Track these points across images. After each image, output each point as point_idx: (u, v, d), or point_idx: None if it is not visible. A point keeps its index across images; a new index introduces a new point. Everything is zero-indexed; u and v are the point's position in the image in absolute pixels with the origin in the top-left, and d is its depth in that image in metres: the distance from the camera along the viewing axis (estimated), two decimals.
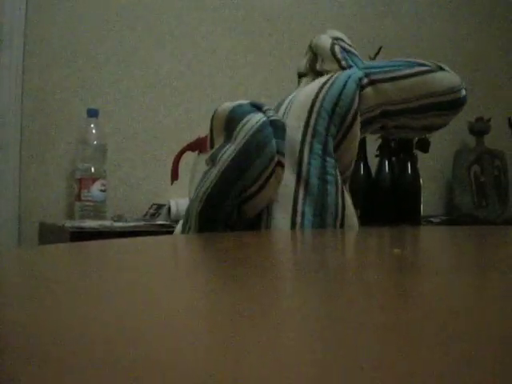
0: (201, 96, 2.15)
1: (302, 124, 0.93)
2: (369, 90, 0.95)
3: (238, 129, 0.88)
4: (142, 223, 1.69)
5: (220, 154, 0.89)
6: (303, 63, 1.09)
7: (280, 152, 0.86)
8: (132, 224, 1.64)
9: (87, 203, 1.80)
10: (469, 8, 2.74)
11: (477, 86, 2.69)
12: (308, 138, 0.92)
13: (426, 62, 0.96)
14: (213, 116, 0.96)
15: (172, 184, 1.64)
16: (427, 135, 2.21)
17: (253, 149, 0.85)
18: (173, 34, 2.12)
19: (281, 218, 0.88)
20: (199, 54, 2.16)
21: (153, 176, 2.05)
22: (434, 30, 2.65)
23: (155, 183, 2.05)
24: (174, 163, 1.66)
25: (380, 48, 2.44)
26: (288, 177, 0.90)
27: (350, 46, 1.05)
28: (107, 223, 1.61)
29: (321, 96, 0.94)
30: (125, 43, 2.03)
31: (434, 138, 2.38)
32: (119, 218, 1.81)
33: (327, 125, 0.92)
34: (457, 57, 2.69)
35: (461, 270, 0.33)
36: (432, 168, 2.54)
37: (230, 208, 0.87)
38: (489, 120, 2.47)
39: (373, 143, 2.16)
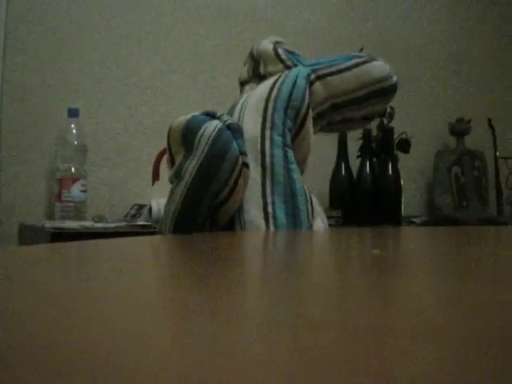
0: (182, 96, 2.15)
1: (260, 119, 0.96)
2: (317, 84, 1.02)
3: (196, 140, 0.90)
4: (123, 224, 1.68)
5: (184, 168, 0.91)
6: (244, 71, 1.16)
7: (242, 153, 0.89)
8: (113, 225, 1.63)
9: (67, 204, 1.78)
10: (451, 9, 2.76)
11: (458, 87, 2.71)
12: (267, 130, 0.95)
13: (360, 54, 1.06)
14: (168, 133, 0.98)
15: (153, 184, 1.63)
16: (407, 136, 2.23)
17: (216, 155, 0.87)
18: (155, 34, 2.11)
19: (252, 210, 0.90)
20: (181, 55, 2.15)
21: (134, 176, 2.04)
22: (417, 32, 2.67)
23: (136, 183, 2.04)
24: (155, 163, 1.65)
25: (361, 49, 2.45)
26: (253, 170, 0.93)
27: (287, 46, 1.11)
28: (88, 224, 1.60)
29: (274, 93, 0.98)
30: (107, 43, 2.02)
31: (415, 139, 2.40)
32: (100, 219, 1.80)
33: (283, 119, 0.97)
34: (438, 57, 2.71)
35: (438, 270, 0.33)
36: (413, 169, 2.55)
37: (202, 219, 0.88)
38: (469, 121, 2.49)
39: (354, 144, 2.17)
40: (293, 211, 0.91)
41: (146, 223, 1.64)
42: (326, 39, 2.46)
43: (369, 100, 1.04)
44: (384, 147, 2.11)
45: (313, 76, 1.01)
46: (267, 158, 0.93)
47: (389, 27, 2.61)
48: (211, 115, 0.93)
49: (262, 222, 0.89)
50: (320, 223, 0.95)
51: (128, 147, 2.04)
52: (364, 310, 0.21)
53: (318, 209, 0.97)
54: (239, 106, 1.02)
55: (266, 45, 1.11)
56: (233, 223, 0.92)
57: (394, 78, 1.05)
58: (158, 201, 1.79)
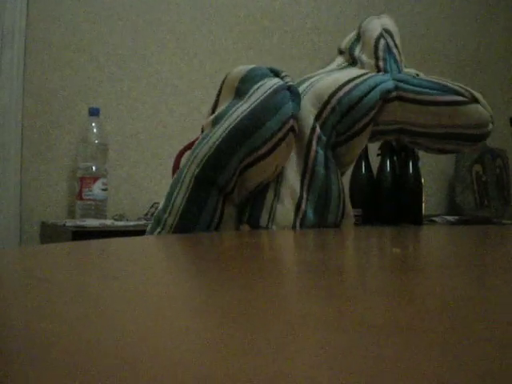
0: (202, 95, 2.15)
1: (315, 112, 0.88)
2: (395, 104, 0.89)
3: (252, 90, 0.84)
4: (143, 222, 1.69)
5: (230, 112, 0.84)
6: (346, 39, 1.04)
7: (294, 116, 0.82)
8: (133, 223, 1.64)
9: (88, 202, 1.79)
10: (469, 7, 2.73)
11: (478, 85, 2.69)
12: (317, 127, 0.87)
13: (463, 91, 0.88)
14: (224, 79, 0.92)
15: None
16: None
17: (268, 108, 0.81)
18: (174, 33, 2.11)
19: (286, 201, 0.84)
20: (200, 53, 2.16)
21: (154, 175, 2.05)
22: (435, 30, 2.64)
23: (156, 182, 2.05)
24: (175, 162, 1.65)
25: None
26: (295, 160, 0.87)
27: (396, 45, 0.98)
28: (108, 222, 1.61)
29: (341, 93, 0.89)
30: (126, 42, 2.03)
31: None
32: (120, 217, 1.81)
33: (336, 122, 0.88)
34: (458, 56, 2.68)
35: (460, 269, 0.33)
36: (434, 167, 2.53)
37: (231, 172, 0.81)
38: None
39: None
40: (322, 212, 0.86)
41: None
42: (342, 37, 2.44)
43: (449, 139, 0.91)
44: (404, 145, 2.09)
45: (394, 94, 0.90)
46: (311, 154, 0.86)
47: (406, 25, 2.59)
48: (275, 72, 0.88)
49: (292, 216, 0.84)
50: (347, 223, 0.90)
51: (148, 146, 2.05)
52: (393, 309, 0.21)
53: (348, 209, 0.91)
54: (307, 83, 0.94)
55: (374, 29, 0.99)
56: (255, 204, 0.86)
57: (490, 127, 0.90)
58: None
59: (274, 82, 0.84)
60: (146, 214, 1.88)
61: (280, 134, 0.81)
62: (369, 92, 0.88)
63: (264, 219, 0.84)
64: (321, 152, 0.86)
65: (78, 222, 1.58)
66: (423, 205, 2.15)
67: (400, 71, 0.94)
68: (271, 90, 0.83)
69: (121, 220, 1.76)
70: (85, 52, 1.96)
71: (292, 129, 0.82)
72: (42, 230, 1.86)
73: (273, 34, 2.30)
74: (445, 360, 0.14)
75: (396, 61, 0.95)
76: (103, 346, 0.15)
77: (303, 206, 0.84)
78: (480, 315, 0.20)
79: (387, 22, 1.01)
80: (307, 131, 0.87)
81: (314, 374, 0.13)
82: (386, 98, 0.88)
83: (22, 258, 0.39)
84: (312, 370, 0.13)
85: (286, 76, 0.86)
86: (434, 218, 2.13)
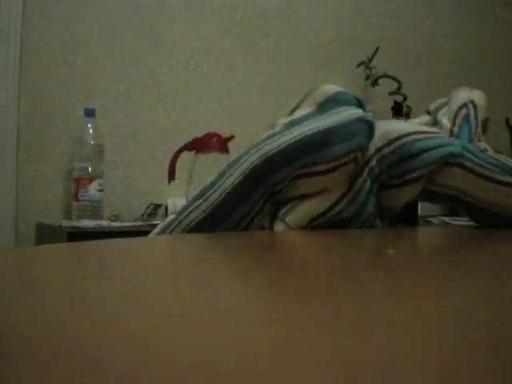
0: (198, 96, 2.15)
1: (378, 145, 0.88)
2: (454, 169, 0.88)
3: (334, 111, 0.86)
4: (139, 223, 1.69)
5: (305, 122, 0.85)
6: (435, 103, 1.05)
7: (362, 150, 0.84)
8: (129, 224, 1.64)
9: (84, 203, 1.79)
10: (467, 8, 2.74)
11: (475, 86, 2.69)
12: (374, 159, 0.88)
13: None
14: (311, 90, 0.93)
15: (169, 184, 1.64)
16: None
17: (343, 133, 0.82)
18: (171, 34, 2.11)
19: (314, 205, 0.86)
20: (197, 54, 2.16)
21: (150, 176, 2.05)
22: (433, 30, 2.65)
23: (152, 183, 2.05)
24: (171, 163, 1.66)
25: (377, 48, 2.44)
26: (341, 184, 0.87)
27: (476, 117, 0.99)
28: (104, 223, 1.61)
29: (409, 138, 0.88)
30: (123, 43, 2.03)
31: None
32: (116, 218, 1.81)
33: (394, 163, 0.88)
34: (455, 57, 2.69)
35: (454, 272, 0.33)
36: None
37: (285, 176, 0.82)
38: (487, 120, 2.47)
39: None
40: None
41: None
42: (341, 37, 2.45)
43: (504, 218, 0.89)
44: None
45: (457, 159, 0.87)
46: (360, 179, 0.87)
47: (403, 27, 2.59)
48: (360, 102, 0.88)
49: (308, 217, 0.85)
50: None
51: (144, 147, 2.05)
52: (385, 310, 0.21)
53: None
54: (383, 122, 0.94)
55: (461, 97, 1.00)
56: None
57: None
58: (174, 200, 1.80)
59: (357, 112, 0.86)
60: (143, 215, 1.88)
61: (344, 160, 0.82)
62: (433, 148, 0.87)
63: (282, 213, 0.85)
64: (368, 181, 0.88)
65: (74, 223, 1.58)
66: (419, 205, 2.15)
67: (471, 142, 0.94)
68: (352, 117, 0.84)
69: (117, 221, 1.76)
70: (81, 52, 1.96)
71: (355, 160, 0.84)
72: (37, 231, 1.85)
73: (270, 35, 2.30)
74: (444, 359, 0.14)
75: (470, 132, 0.95)
76: (94, 349, 0.15)
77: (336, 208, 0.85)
78: (467, 318, 0.20)
79: (476, 95, 1.02)
80: (364, 158, 0.89)
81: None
82: (448, 161, 0.87)
83: (16, 259, 0.39)
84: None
85: (369, 110, 0.88)
86: (430, 219, 2.13)
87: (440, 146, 0.87)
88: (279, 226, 0.84)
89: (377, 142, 0.89)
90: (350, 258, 0.41)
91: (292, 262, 0.38)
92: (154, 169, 2.05)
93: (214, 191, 0.85)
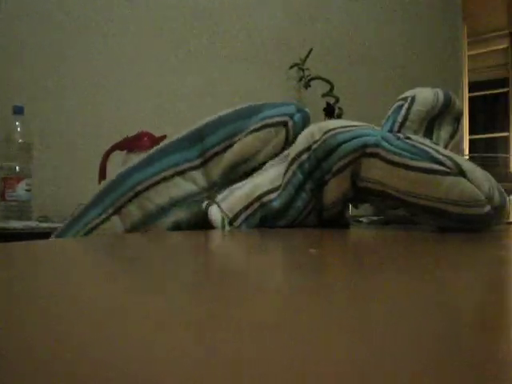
0: (130, 95, 2.13)
1: (306, 145, 0.92)
2: (371, 161, 0.84)
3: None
4: None
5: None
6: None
7: (293, 118, 0.97)
8: (58, 224, 1.60)
9: (12, 203, 1.74)
10: (400, 11, 2.81)
11: (405, 87, 2.76)
12: (305, 155, 0.90)
13: (446, 161, 0.76)
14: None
15: (100, 183, 1.61)
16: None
17: (275, 104, 0.98)
18: (102, 32, 2.08)
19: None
20: (128, 53, 2.13)
21: (80, 175, 2.01)
22: (365, 33, 2.71)
23: (83, 183, 2.01)
24: (101, 162, 1.63)
25: (310, 50, 2.47)
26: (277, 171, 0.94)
27: (408, 109, 0.95)
28: (33, 224, 1.57)
29: (329, 134, 0.89)
30: (53, 39, 1.99)
31: None
32: (45, 219, 1.77)
33: (322, 159, 0.89)
34: (386, 59, 2.75)
35: (379, 270, 0.34)
36: None
37: (221, 137, 0.96)
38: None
39: None
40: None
41: None
42: (275, 39, 2.47)
43: (431, 214, 0.80)
44: None
45: (370, 150, 0.84)
46: (289, 172, 0.93)
47: (337, 29, 2.64)
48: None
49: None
50: None
51: (74, 146, 2.01)
52: (295, 310, 0.21)
53: None
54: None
55: (408, 95, 1.00)
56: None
57: (486, 208, 0.76)
58: None
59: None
60: (72, 215, 1.84)
61: (272, 121, 0.95)
62: (349, 140, 0.86)
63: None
64: (299, 175, 0.89)
65: (1, 224, 1.54)
66: (349, 205, 2.19)
67: (391, 131, 0.91)
68: (287, 103, 1.00)
69: (46, 221, 1.72)
70: (9, 48, 1.91)
71: (285, 125, 0.95)
72: None
73: (202, 34, 2.29)
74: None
75: (394, 122, 0.93)
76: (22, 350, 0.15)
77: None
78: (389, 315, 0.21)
79: (425, 92, 0.99)
80: (293, 154, 0.92)
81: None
82: (365, 152, 0.85)
83: None
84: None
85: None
86: (361, 219, 2.16)
87: (356, 138, 0.86)
88: (214, 210, 0.86)
89: (309, 138, 0.90)
90: (269, 257, 0.42)
91: (213, 263, 0.38)
92: (85, 168, 2.01)
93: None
